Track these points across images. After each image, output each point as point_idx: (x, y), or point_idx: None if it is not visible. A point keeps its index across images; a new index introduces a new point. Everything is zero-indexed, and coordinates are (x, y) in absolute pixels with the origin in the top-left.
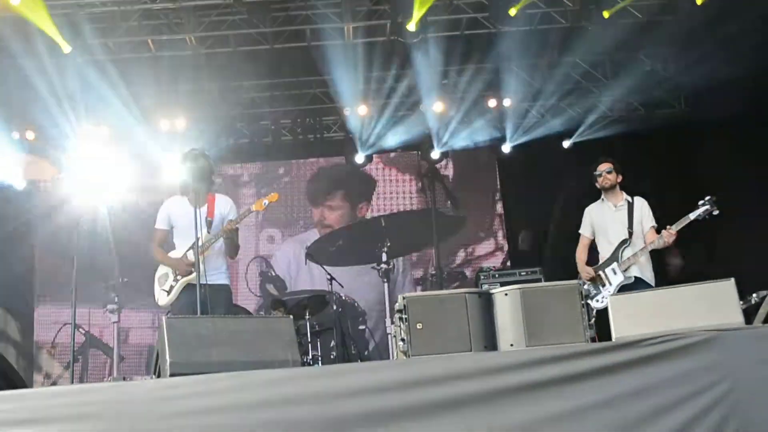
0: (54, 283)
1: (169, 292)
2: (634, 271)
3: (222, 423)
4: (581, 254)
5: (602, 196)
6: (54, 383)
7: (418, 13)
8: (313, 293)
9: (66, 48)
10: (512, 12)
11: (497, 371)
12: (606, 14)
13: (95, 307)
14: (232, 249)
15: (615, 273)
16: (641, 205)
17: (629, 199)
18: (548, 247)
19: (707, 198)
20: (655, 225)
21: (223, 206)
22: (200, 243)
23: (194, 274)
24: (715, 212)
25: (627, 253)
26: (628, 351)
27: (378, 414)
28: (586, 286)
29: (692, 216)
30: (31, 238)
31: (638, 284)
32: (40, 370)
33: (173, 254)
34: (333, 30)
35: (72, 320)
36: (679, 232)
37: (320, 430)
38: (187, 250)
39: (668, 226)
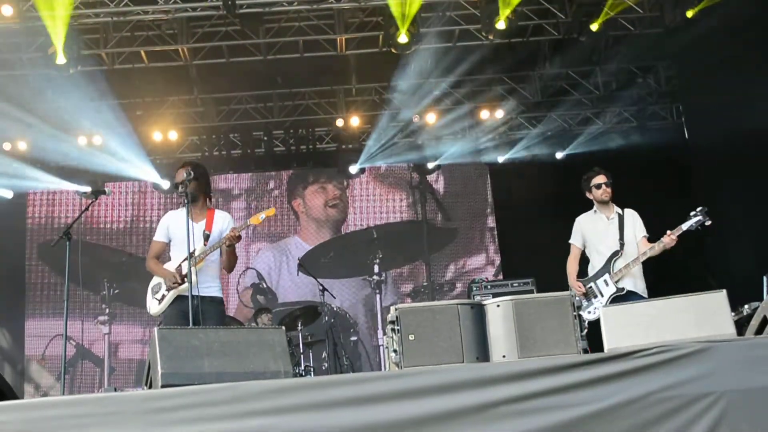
0: (44, 296)
1: (160, 302)
2: (627, 284)
3: None
4: (572, 266)
5: (594, 208)
6: (45, 394)
7: (402, 24)
8: (305, 304)
9: (60, 58)
10: (498, 24)
11: (489, 383)
12: (595, 27)
13: (86, 319)
14: (232, 260)
15: (607, 284)
16: (632, 216)
17: (620, 211)
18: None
19: (699, 209)
20: (647, 235)
21: (222, 221)
22: (195, 255)
23: (185, 285)
24: (708, 222)
25: (619, 264)
26: (620, 362)
27: (370, 425)
28: (577, 298)
29: (684, 227)
30: (22, 250)
31: (631, 296)
32: (30, 382)
33: (168, 266)
34: (326, 41)
35: (64, 331)
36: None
37: None
38: (182, 261)
39: (669, 231)
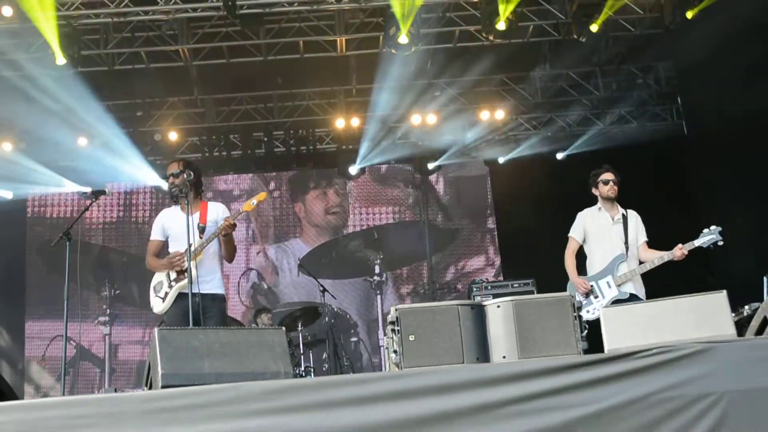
0: (44, 296)
1: (164, 299)
2: (630, 288)
3: None
4: (571, 260)
5: (599, 205)
6: (45, 395)
7: (403, 25)
8: (306, 305)
9: (60, 59)
10: (498, 25)
11: (490, 383)
12: (595, 28)
13: (86, 320)
14: (231, 249)
15: (609, 287)
16: (636, 219)
17: (624, 212)
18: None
19: (713, 227)
20: (647, 240)
21: (216, 212)
22: (193, 249)
23: (187, 281)
24: (720, 243)
25: (623, 268)
26: (620, 363)
27: (370, 426)
28: (578, 297)
29: (697, 243)
30: (21, 250)
31: (632, 299)
32: (30, 382)
33: None
34: (326, 42)
35: (64, 332)
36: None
37: None
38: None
39: (680, 245)
